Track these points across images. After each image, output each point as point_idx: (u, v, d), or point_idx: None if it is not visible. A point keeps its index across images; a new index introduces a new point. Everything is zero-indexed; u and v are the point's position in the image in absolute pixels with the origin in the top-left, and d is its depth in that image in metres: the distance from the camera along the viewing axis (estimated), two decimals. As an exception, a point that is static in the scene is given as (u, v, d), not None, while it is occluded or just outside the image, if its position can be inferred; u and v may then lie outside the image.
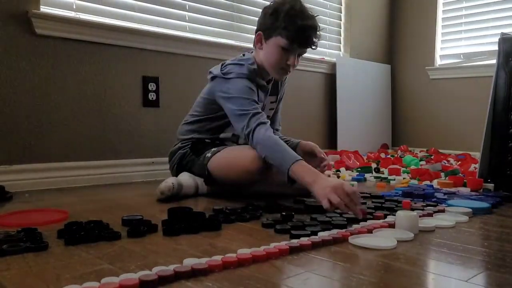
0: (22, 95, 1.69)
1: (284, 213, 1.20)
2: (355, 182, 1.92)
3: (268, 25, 1.52)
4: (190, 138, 1.65)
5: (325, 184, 1.20)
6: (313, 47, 1.55)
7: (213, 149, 1.56)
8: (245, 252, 0.87)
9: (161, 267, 0.77)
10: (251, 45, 2.52)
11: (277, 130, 1.82)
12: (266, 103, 1.69)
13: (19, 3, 1.66)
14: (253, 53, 1.64)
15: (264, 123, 1.44)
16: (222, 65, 1.58)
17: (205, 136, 1.65)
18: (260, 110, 1.48)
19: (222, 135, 1.66)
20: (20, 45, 1.68)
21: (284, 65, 1.54)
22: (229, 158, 1.51)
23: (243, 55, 1.65)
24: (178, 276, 0.75)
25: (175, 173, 1.65)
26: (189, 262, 0.79)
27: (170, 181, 1.48)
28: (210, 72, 1.61)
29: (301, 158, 1.32)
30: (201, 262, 0.80)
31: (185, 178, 1.56)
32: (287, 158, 1.32)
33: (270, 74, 1.60)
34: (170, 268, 0.77)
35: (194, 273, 0.76)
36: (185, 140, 1.66)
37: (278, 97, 1.77)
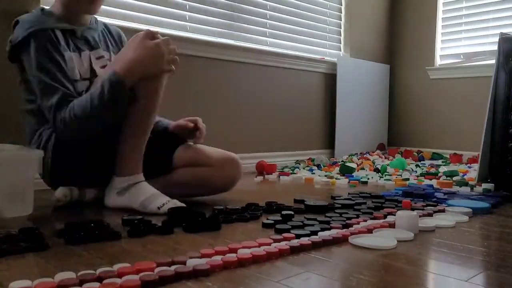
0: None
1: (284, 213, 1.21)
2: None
3: None
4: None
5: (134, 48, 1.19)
6: None
7: (41, 139, 1.33)
8: (245, 252, 0.87)
9: (162, 268, 0.77)
10: (251, 45, 2.54)
11: None
12: (92, 59, 1.38)
13: (19, 3, 1.66)
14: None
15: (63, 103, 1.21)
16: (13, 28, 1.33)
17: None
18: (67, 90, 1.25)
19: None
20: (20, 45, 1.67)
21: None
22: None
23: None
24: (179, 276, 0.75)
25: None
26: (191, 263, 0.80)
27: (67, 187, 1.36)
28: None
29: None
30: (202, 262, 0.80)
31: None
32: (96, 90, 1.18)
33: (81, 8, 1.36)
34: (171, 268, 0.77)
35: (195, 273, 0.76)
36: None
37: (110, 52, 1.47)
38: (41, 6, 1.41)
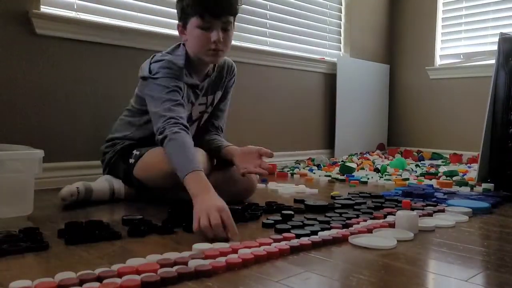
0: (22, 95, 1.69)
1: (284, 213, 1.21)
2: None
3: (180, 13, 1.45)
4: (119, 138, 1.55)
5: (205, 203, 1.06)
6: (231, 11, 1.41)
7: (135, 153, 1.45)
8: (246, 252, 0.87)
9: (164, 269, 0.77)
10: (251, 45, 2.54)
11: (217, 132, 1.64)
12: (195, 104, 1.54)
13: (19, 3, 1.66)
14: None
15: (178, 124, 1.30)
16: (150, 60, 1.47)
17: (133, 132, 1.53)
18: (181, 114, 1.35)
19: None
20: (20, 45, 1.68)
21: (210, 45, 1.39)
22: (150, 161, 1.40)
23: (178, 45, 1.51)
24: (181, 277, 0.75)
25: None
26: (193, 264, 0.80)
27: (74, 186, 1.38)
28: (141, 70, 1.49)
29: (201, 169, 1.19)
30: (205, 263, 0.80)
31: (99, 181, 1.47)
32: (186, 164, 1.19)
33: (204, 59, 1.46)
34: (173, 269, 0.77)
35: (197, 275, 0.76)
36: (115, 139, 1.55)
37: (215, 97, 1.60)
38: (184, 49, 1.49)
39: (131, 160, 1.46)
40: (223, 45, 1.42)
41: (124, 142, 1.53)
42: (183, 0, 1.42)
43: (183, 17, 1.44)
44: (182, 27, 1.46)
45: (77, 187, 1.38)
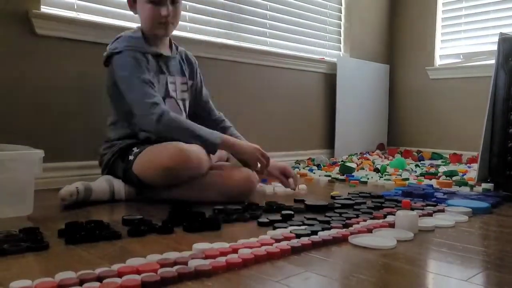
0: (22, 95, 1.69)
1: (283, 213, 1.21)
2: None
3: None
4: (116, 139, 1.55)
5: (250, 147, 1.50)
6: None
7: (135, 151, 1.47)
8: (246, 252, 0.87)
9: (164, 268, 0.77)
10: (251, 45, 2.54)
11: (223, 120, 1.79)
12: (176, 82, 1.63)
13: (19, 3, 1.66)
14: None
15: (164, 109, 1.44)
16: (115, 39, 1.56)
17: (126, 128, 1.55)
18: (158, 96, 1.46)
19: (141, 135, 1.53)
20: (21, 45, 1.68)
21: (161, 19, 1.51)
22: (149, 157, 1.42)
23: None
24: (181, 277, 0.75)
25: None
26: (193, 264, 0.80)
27: (73, 186, 1.38)
28: (103, 58, 1.56)
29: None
30: (205, 263, 0.80)
31: (99, 181, 1.47)
32: (209, 134, 1.46)
33: (153, 32, 1.55)
34: (173, 269, 0.77)
35: (197, 274, 0.77)
36: (113, 140, 1.56)
37: (189, 80, 1.69)
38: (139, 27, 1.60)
39: (131, 157, 1.47)
40: (173, 18, 1.53)
41: (122, 142, 1.53)
42: None
43: None
44: (132, 1, 1.55)
45: (77, 187, 1.38)
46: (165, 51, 1.61)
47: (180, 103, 1.63)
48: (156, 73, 1.55)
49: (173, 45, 1.67)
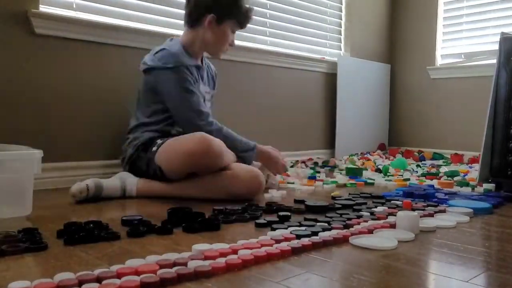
0: (21, 95, 1.68)
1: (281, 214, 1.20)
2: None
3: (224, 9, 1.61)
4: (138, 136, 1.61)
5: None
6: None
7: (158, 142, 1.53)
8: (246, 253, 0.86)
9: (163, 269, 0.77)
10: (251, 45, 2.54)
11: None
12: (206, 91, 1.74)
13: (19, 3, 1.66)
14: (183, 36, 1.70)
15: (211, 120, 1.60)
16: (154, 54, 1.62)
17: (156, 128, 1.61)
18: (206, 109, 1.61)
19: (174, 131, 1.63)
20: (20, 45, 1.67)
21: (231, 46, 1.69)
22: (174, 145, 1.49)
23: (171, 39, 1.71)
24: (180, 278, 0.75)
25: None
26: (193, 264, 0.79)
27: (84, 183, 1.42)
28: (144, 63, 1.63)
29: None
30: (204, 264, 0.79)
31: (111, 179, 1.51)
32: (246, 144, 1.64)
33: (213, 54, 1.72)
34: (173, 270, 0.76)
35: (197, 275, 0.76)
36: (136, 138, 1.61)
37: (211, 89, 1.82)
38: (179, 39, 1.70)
39: (154, 148, 1.52)
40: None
41: (143, 135, 1.59)
42: (232, 2, 1.61)
43: (221, 13, 1.60)
44: (216, 21, 1.62)
45: (87, 184, 1.41)
46: (199, 62, 1.72)
47: (209, 111, 1.73)
48: (197, 84, 1.64)
49: (203, 56, 1.77)
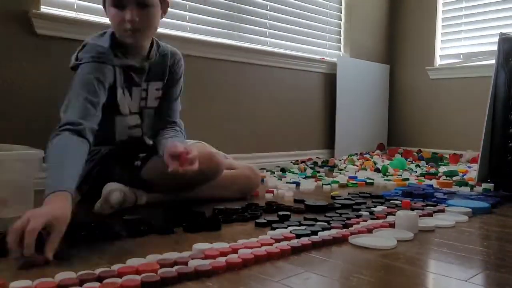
0: (22, 95, 1.69)
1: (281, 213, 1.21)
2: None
3: None
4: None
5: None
6: None
7: (142, 155, 1.39)
8: (246, 252, 0.87)
9: (164, 269, 0.77)
10: (251, 45, 2.54)
11: (172, 125, 1.50)
12: (149, 90, 1.45)
13: (20, 3, 1.66)
14: None
15: (74, 127, 1.17)
16: (82, 46, 1.38)
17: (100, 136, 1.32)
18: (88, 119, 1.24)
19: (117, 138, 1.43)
20: (21, 45, 1.68)
21: (125, 24, 1.29)
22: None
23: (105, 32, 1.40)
24: (181, 277, 0.75)
25: None
26: (193, 264, 0.80)
27: (117, 194, 1.29)
28: (70, 61, 1.41)
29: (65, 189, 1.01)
30: (205, 263, 0.80)
31: (124, 189, 1.34)
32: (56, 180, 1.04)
33: (123, 40, 1.35)
34: (173, 269, 0.77)
35: (197, 275, 0.76)
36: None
37: (164, 84, 1.49)
38: (111, 31, 1.39)
39: (137, 162, 1.38)
40: (141, 24, 1.30)
41: (100, 149, 1.43)
42: None
43: None
44: (103, 6, 1.36)
45: (124, 192, 1.31)
46: (139, 59, 1.41)
47: (146, 112, 1.48)
48: (128, 86, 1.40)
49: (153, 46, 1.45)
